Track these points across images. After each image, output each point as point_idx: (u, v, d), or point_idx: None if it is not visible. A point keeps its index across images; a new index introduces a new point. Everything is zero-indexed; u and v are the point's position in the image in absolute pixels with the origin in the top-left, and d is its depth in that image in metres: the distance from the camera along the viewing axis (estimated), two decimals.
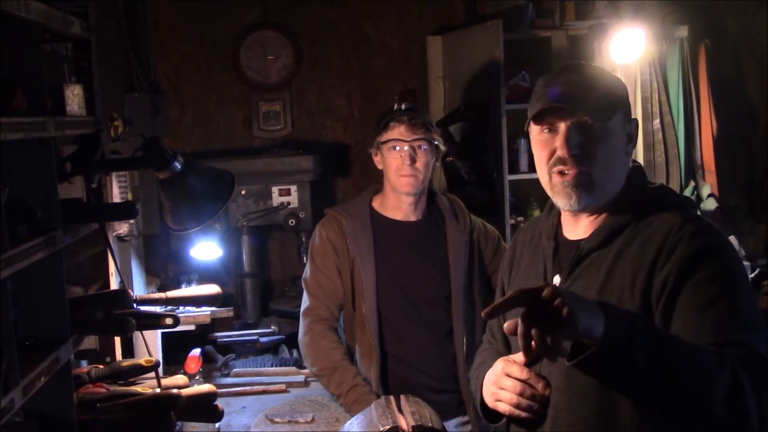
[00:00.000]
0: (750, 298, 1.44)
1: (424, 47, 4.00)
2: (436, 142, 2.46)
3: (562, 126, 1.52)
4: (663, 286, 1.43)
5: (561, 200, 1.56)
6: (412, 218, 2.53)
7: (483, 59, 3.55)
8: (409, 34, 4.09)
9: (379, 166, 2.52)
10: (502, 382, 1.56)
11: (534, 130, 1.59)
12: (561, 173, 1.53)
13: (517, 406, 1.53)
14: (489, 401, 1.60)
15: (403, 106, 2.50)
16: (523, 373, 1.54)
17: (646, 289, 1.45)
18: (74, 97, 1.84)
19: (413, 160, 2.41)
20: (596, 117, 1.50)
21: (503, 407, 1.56)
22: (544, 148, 1.56)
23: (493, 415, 1.63)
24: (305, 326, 2.51)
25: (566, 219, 1.64)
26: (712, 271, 1.41)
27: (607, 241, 1.54)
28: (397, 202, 2.52)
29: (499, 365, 1.57)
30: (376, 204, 2.57)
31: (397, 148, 2.42)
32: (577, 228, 1.61)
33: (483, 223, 2.61)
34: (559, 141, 1.52)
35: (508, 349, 1.76)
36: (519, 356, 1.55)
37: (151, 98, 2.82)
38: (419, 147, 2.42)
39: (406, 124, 2.42)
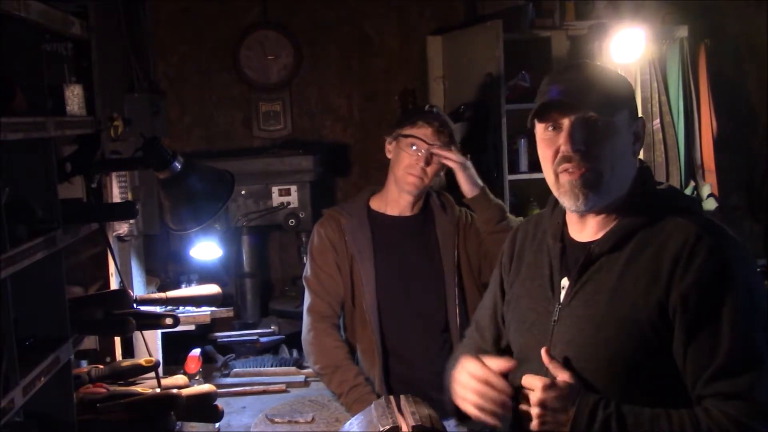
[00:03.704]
0: (760, 328, 1.42)
1: (424, 47, 3.99)
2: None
3: (566, 122, 1.50)
4: (682, 305, 1.42)
5: (568, 201, 1.53)
6: (408, 213, 2.56)
7: (483, 59, 3.55)
8: (409, 34, 4.09)
9: (389, 155, 2.53)
10: (463, 380, 1.56)
11: (538, 129, 1.57)
12: (568, 172, 1.51)
13: (481, 408, 1.52)
14: (457, 399, 1.59)
15: (434, 110, 2.51)
16: (484, 372, 1.53)
17: (663, 300, 1.44)
18: (74, 97, 1.84)
19: (428, 164, 2.44)
20: (600, 111, 1.48)
21: (468, 409, 1.55)
22: (549, 146, 1.53)
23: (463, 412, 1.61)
24: (309, 324, 2.52)
25: (572, 219, 1.61)
26: (727, 303, 1.40)
27: (619, 245, 1.51)
28: (397, 197, 2.54)
29: (464, 362, 1.57)
30: (374, 203, 2.59)
31: (415, 147, 2.44)
32: (585, 229, 1.59)
33: (471, 215, 2.61)
34: (563, 138, 1.50)
35: (495, 349, 1.76)
36: (494, 361, 1.55)
37: (151, 98, 2.83)
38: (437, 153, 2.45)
39: (434, 128, 2.44)
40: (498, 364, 1.55)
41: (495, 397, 1.50)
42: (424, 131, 2.43)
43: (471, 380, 1.54)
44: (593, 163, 1.49)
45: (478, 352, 1.75)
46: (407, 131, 2.46)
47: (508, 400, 1.49)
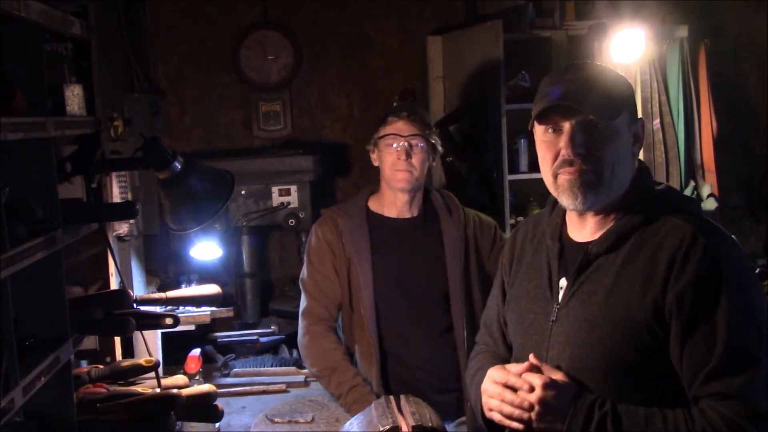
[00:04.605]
0: (754, 328, 1.42)
1: (424, 47, 4.00)
2: (432, 141, 2.46)
3: (567, 125, 1.50)
4: (678, 306, 1.42)
5: (566, 200, 1.53)
6: (407, 215, 2.54)
7: (483, 59, 3.55)
8: (409, 34, 4.09)
9: (375, 163, 2.52)
10: (489, 389, 1.56)
11: (538, 130, 1.56)
12: (568, 172, 1.51)
13: (503, 412, 1.52)
14: (486, 412, 1.59)
15: (403, 103, 2.50)
16: (504, 376, 1.53)
17: (659, 301, 1.44)
18: (74, 97, 1.84)
19: (409, 156, 2.41)
20: (601, 115, 1.48)
21: (495, 416, 1.55)
22: (549, 149, 1.53)
23: (495, 426, 1.60)
24: (304, 327, 2.50)
25: (571, 219, 1.62)
26: (722, 303, 1.40)
27: (616, 245, 1.52)
28: (393, 199, 2.51)
29: (489, 372, 1.57)
30: (372, 204, 2.57)
31: (394, 144, 2.43)
32: (583, 229, 1.59)
33: (477, 215, 2.60)
34: (563, 141, 1.50)
35: (509, 352, 1.76)
36: (516, 366, 1.55)
37: (151, 98, 2.83)
38: (416, 144, 2.43)
39: (404, 119, 2.43)
40: (520, 367, 1.54)
41: (514, 400, 1.49)
42: (395, 125, 2.43)
43: (495, 387, 1.54)
44: (594, 166, 1.49)
45: (494, 358, 1.76)
46: (382, 132, 2.46)
47: (525, 401, 1.48)
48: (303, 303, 2.54)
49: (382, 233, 2.52)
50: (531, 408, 1.47)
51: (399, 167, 2.42)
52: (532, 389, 1.47)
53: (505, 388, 1.52)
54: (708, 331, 1.40)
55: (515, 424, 1.50)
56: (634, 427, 1.41)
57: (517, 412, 1.49)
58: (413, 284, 2.49)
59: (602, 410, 1.42)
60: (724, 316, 1.40)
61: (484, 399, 1.58)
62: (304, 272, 2.56)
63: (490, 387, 1.55)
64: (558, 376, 1.49)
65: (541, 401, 1.45)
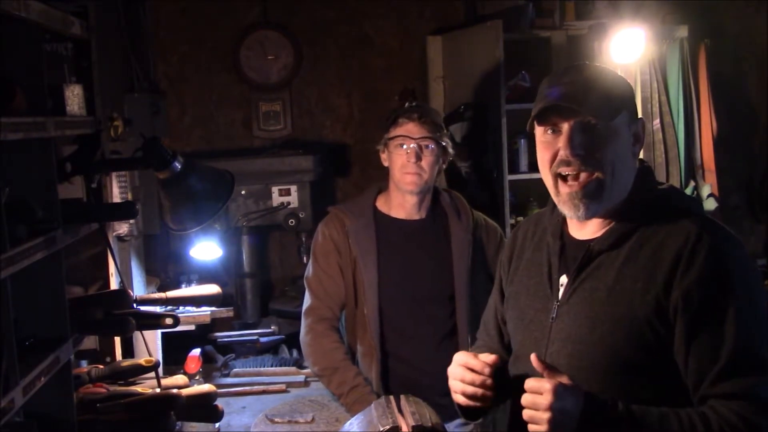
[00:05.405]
0: (761, 328, 1.42)
1: (424, 47, 4.00)
2: (443, 144, 2.45)
3: (565, 126, 1.50)
4: (684, 303, 1.41)
5: (568, 210, 1.53)
6: (416, 216, 2.52)
7: (483, 59, 3.55)
8: (409, 34, 4.09)
9: (385, 164, 2.50)
10: (451, 371, 1.59)
11: (538, 131, 1.56)
12: (565, 180, 1.51)
13: (465, 393, 1.55)
14: (452, 395, 1.62)
15: (413, 104, 2.50)
16: (466, 358, 1.56)
17: (662, 299, 1.43)
18: (74, 97, 1.84)
19: (419, 158, 2.40)
20: (599, 116, 1.48)
21: (460, 399, 1.58)
22: (547, 149, 1.53)
23: (468, 412, 1.63)
24: (306, 326, 2.50)
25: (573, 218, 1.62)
26: (729, 302, 1.40)
27: (618, 243, 1.52)
28: (402, 201, 2.50)
29: (455, 356, 1.60)
30: (380, 203, 2.55)
31: (404, 145, 2.41)
32: (585, 227, 1.59)
33: (485, 219, 2.60)
34: (562, 141, 1.50)
35: (505, 349, 1.76)
36: (486, 356, 1.57)
37: (151, 98, 2.83)
38: (426, 146, 2.41)
39: (415, 121, 2.41)
40: (489, 358, 1.57)
41: (474, 378, 1.53)
42: (406, 127, 2.41)
43: (457, 368, 1.58)
44: (593, 167, 1.49)
45: (487, 351, 1.76)
46: (392, 133, 2.44)
47: (487, 379, 1.53)
48: (307, 301, 2.53)
49: (390, 234, 2.50)
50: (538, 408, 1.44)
51: (408, 170, 2.41)
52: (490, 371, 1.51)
53: (466, 369, 1.54)
54: (715, 330, 1.40)
55: (474, 403, 1.55)
56: (648, 428, 1.39)
57: (476, 390, 1.53)
58: (419, 285, 2.48)
59: (615, 412, 1.40)
60: (733, 315, 1.39)
61: (449, 382, 1.60)
62: (309, 270, 2.55)
63: (452, 369, 1.58)
64: (563, 379, 1.45)
65: (552, 407, 1.40)
